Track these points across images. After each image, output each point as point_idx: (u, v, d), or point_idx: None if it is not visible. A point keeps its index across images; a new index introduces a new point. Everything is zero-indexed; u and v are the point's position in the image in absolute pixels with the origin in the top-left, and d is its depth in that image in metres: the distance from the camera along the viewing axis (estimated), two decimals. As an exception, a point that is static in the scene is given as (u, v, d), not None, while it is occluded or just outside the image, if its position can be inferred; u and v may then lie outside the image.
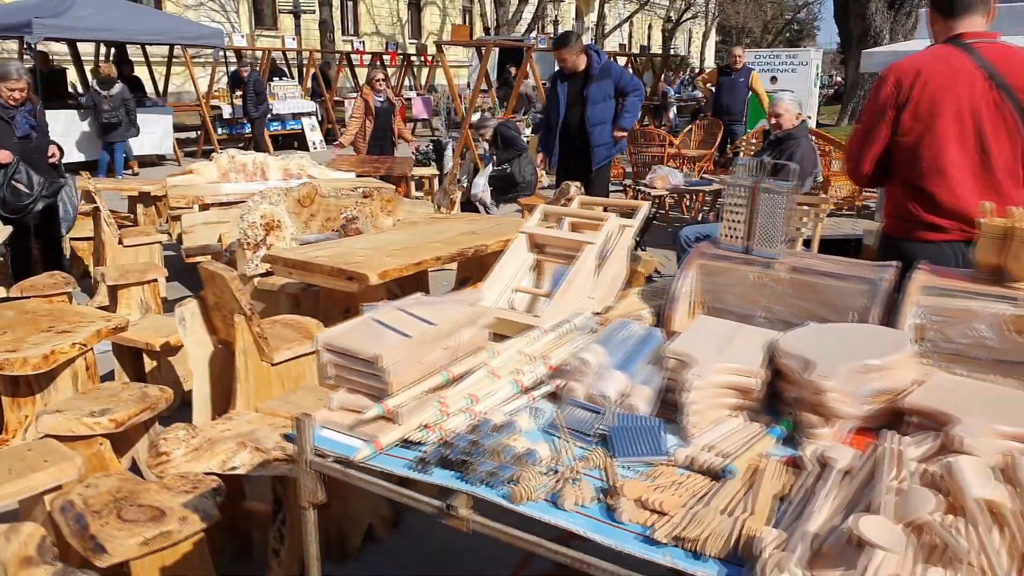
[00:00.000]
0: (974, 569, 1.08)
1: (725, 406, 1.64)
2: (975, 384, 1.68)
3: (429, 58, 22.57)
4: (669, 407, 1.64)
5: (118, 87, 11.78)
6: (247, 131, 16.54)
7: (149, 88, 14.92)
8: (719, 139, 10.66)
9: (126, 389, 3.45)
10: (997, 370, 1.73)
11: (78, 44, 14.17)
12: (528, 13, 33.99)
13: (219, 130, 15.76)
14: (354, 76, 20.53)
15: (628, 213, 2.73)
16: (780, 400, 1.67)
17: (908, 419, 1.52)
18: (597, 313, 2.15)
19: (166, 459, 2.80)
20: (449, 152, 11.90)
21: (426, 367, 1.65)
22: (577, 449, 1.49)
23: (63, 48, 14.92)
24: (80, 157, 12.05)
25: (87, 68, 14.65)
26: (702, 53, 54.31)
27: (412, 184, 10.82)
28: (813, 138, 9.05)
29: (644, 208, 2.49)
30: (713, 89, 11.47)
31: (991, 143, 2.75)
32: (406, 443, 1.51)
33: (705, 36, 56.62)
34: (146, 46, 14.76)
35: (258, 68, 16.33)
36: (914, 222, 2.87)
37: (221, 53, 15.41)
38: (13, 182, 5.53)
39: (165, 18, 15.01)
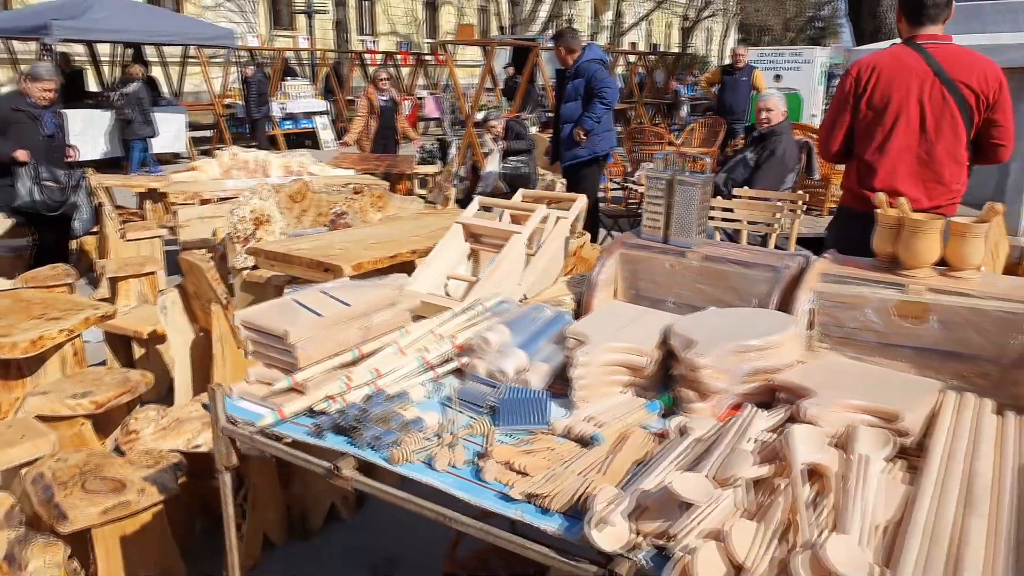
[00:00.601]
0: (778, 523, 1.20)
1: (616, 382, 1.75)
2: (853, 364, 1.78)
3: (441, 57, 22.68)
4: (568, 383, 1.76)
5: (134, 85, 12.04)
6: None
7: (165, 88, 15.20)
8: (721, 138, 10.71)
9: (109, 373, 3.61)
10: (882, 352, 1.84)
11: (95, 45, 14.45)
12: (544, 12, 34.07)
13: (233, 129, 16.00)
14: (367, 76, 20.74)
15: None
16: (671, 378, 1.78)
17: (778, 395, 1.62)
18: (525, 298, 2.27)
19: (135, 437, 2.96)
20: (453, 150, 12.04)
21: (339, 345, 1.78)
22: (465, 418, 1.62)
23: (81, 49, 15.21)
24: (98, 155, 12.36)
25: (104, 68, 14.95)
26: (721, 52, 54.02)
27: (416, 182, 10.95)
28: (814, 135, 9.10)
29: (580, 202, 2.60)
30: (716, 88, 11.51)
31: (933, 130, 3.19)
32: (312, 412, 1.64)
33: (725, 34, 56.28)
34: (161, 47, 15.03)
35: (265, 69, 16.44)
36: (861, 196, 3.26)
37: (233, 53, 15.60)
38: (44, 183, 5.77)
39: (179, 19, 15.26)
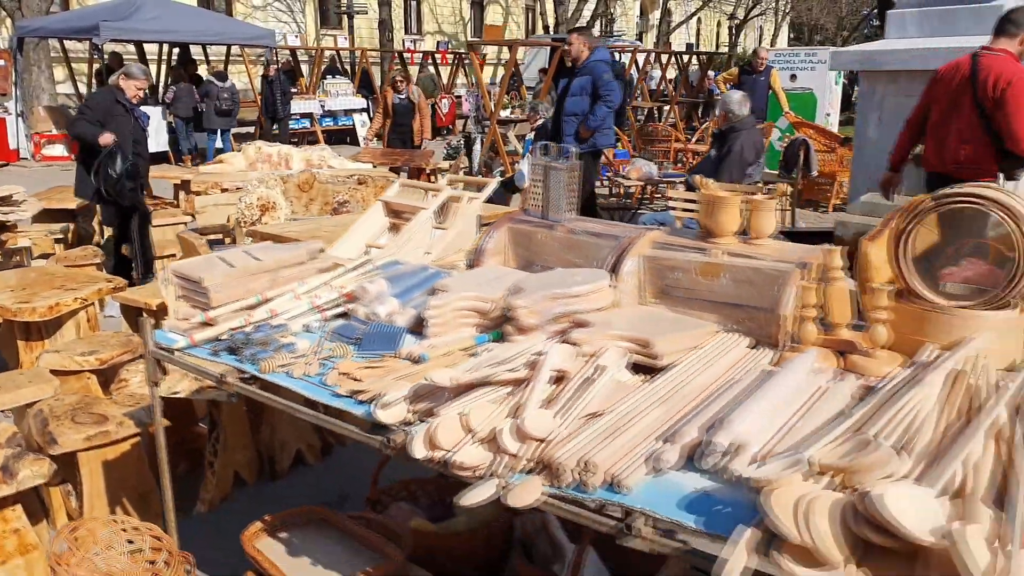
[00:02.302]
0: (513, 406, 1.62)
1: (466, 323, 2.18)
2: (657, 311, 2.19)
3: (480, 57, 23.18)
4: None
5: (231, 82, 13.03)
6: (299, 127, 17.52)
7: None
8: (733, 135, 10.98)
9: (115, 337, 4.15)
10: (689, 304, 2.23)
11: (144, 45, 15.29)
12: (588, 11, 34.29)
13: (275, 125, 16.72)
14: (406, 74, 21.31)
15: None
16: (511, 320, 2.20)
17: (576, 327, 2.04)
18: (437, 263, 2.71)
19: (124, 384, 3.48)
20: (478, 146, 12.53)
21: (247, 291, 2.24)
22: (331, 345, 2.07)
23: (132, 49, 16.07)
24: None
25: (151, 67, 15.78)
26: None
27: (439, 177, 11.40)
28: (811, 135, 9.33)
29: (491, 185, 3.03)
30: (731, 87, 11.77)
31: (952, 118, 4.40)
32: (219, 341, 2.10)
33: (775, 34, 55.62)
34: (206, 46, 15.81)
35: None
36: (926, 161, 4.71)
37: (274, 52, 16.32)
38: (106, 168, 5.94)
39: (222, 20, 16.04)
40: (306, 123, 17.75)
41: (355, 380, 1.85)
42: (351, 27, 25.09)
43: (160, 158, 13.49)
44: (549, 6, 34.64)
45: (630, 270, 2.29)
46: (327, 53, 20.49)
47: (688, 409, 1.62)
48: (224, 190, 7.10)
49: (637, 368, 1.89)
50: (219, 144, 13.54)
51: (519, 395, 1.67)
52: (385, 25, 26.57)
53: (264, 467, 3.72)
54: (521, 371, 1.73)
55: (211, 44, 15.21)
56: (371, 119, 19.07)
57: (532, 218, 2.66)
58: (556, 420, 1.53)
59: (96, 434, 2.97)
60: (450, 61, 22.53)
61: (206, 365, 2.02)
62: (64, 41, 14.78)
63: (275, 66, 14.40)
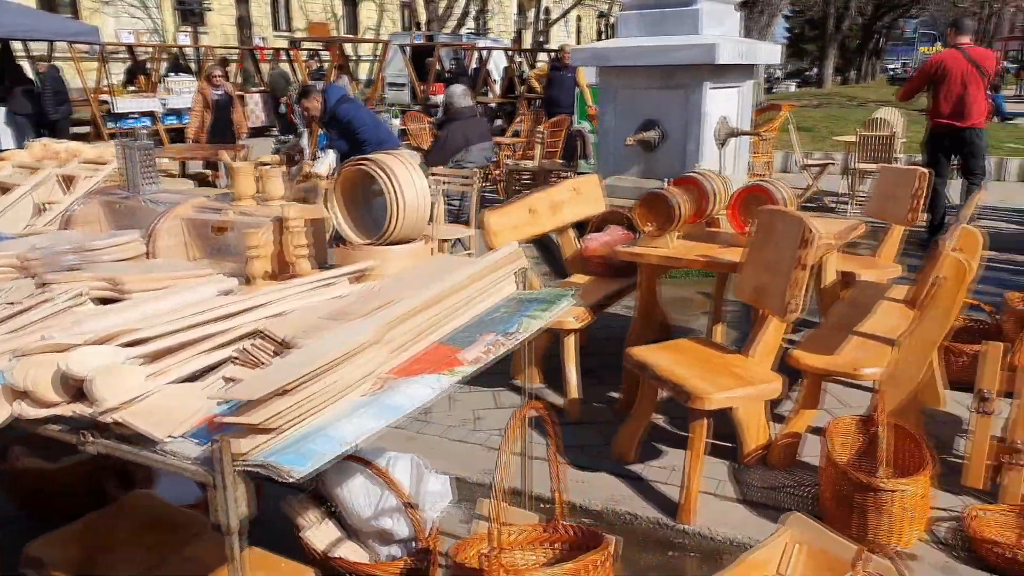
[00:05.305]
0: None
1: (6, 278, 2.59)
2: (163, 261, 2.65)
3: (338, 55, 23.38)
4: None
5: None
6: (140, 125, 17.34)
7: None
8: (539, 128, 11.66)
9: None
10: (216, 256, 2.70)
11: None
12: (459, 8, 34.72)
13: (109, 124, 16.53)
14: (258, 71, 21.33)
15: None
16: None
17: (82, 277, 2.47)
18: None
19: None
20: (304, 140, 12.82)
21: None
22: None
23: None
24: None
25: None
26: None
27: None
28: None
29: (108, 167, 3.45)
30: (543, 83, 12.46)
31: (970, 87, 7.11)
32: None
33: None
34: (28, 42, 15.48)
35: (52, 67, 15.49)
36: (936, 119, 7.32)
37: (105, 49, 16.11)
38: None
39: (42, 16, 15.72)
40: (147, 121, 17.61)
41: None
42: (195, 24, 24.84)
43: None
44: (421, 2, 34.88)
45: (164, 229, 2.74)
46: (173, 50, 20.29)
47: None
48: (-6, 184, 7.21)
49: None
50: None
51: None
52: (243, 22, 26.39)
53: None
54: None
55: (31, 40, 14.90)
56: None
57: (119, 190, 3.08)
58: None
59: None
60: (303, 58, 22.60)
61: None
62: None
63: (45, 63, 13.99)
